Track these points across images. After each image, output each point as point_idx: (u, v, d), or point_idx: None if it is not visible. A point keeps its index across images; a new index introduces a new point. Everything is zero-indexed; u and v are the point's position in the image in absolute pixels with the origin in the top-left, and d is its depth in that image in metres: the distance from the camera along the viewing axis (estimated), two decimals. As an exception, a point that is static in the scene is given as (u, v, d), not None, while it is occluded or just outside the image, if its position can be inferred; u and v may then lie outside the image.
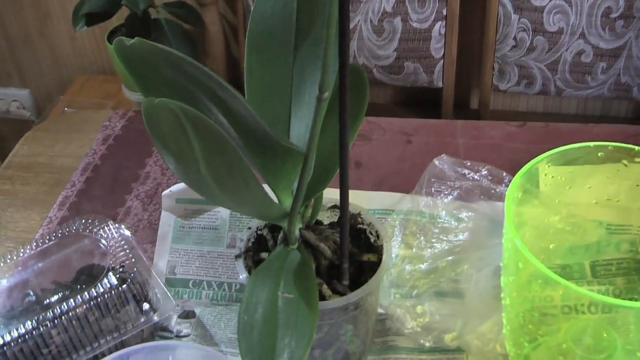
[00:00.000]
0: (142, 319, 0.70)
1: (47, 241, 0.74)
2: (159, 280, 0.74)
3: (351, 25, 1.58)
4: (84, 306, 0.67)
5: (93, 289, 0.68)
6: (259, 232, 0.67)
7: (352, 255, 0.64)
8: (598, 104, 1.84)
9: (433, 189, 0.80)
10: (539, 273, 0.53)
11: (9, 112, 2.23)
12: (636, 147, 0.62)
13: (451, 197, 0.79)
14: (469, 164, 0.82)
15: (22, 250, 0.74)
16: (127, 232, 0.75)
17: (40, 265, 0.73)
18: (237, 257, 0.64)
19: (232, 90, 0.48)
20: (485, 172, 0.81)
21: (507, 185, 0.79)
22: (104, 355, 0.65)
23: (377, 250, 0.65)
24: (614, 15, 1.50)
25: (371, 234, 0.67)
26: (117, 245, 0.72)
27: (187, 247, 0.81)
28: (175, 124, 0.46)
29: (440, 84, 1.67)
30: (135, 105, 1.82)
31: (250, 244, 0.66)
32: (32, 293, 0.70)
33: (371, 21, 1.59)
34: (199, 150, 0.48)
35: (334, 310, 0.61)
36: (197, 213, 0.82)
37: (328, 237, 0.63)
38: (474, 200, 0.78)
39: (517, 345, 0.62)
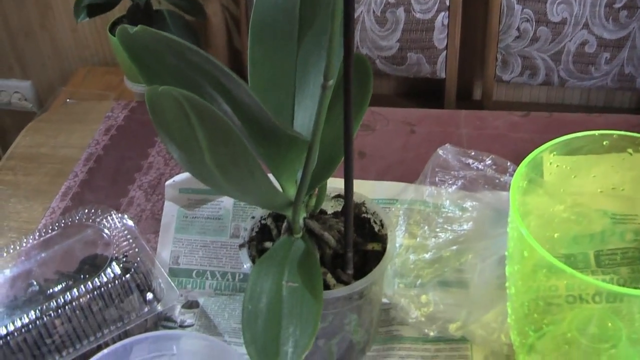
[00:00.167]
0: (146, 309, 0.70)
1: (50, 231, 0.74)
2: (163, 270, 0.74)
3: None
4: (88, 296, 0.67)
5: (96, 279, 0.67)
6: (262, 221, 0.66)
7: (357, 245, 0.64)
8: (601, 95, 1.83)
9: (437, 179, 0.80)
10: (544, 262, 0.53)
11: (10, 103, 2.22)
12: (641, 136, 0.62)
13: (455, 186, 0.79)
14: (473, 153, 0.82)
15: (25, 240, 0.74)
16: (130, 222, 0.74)
17: (43, 255, 0.73)
18: (241, 246, 0.64)
19: (236, 78, 0.48)
20: (490, 161, 0.81)
21: (511, 175, 0.79)
22: (107, 345, 0.65)
23: (382, 239, 0.65)
24: (617, 6, 1.50)
25: (375, 223, 0.67)
26: (120, 235, 0.72)
27: (190, 237, 0.81)
28: (179, 112, 0.46)
29: (443, 75, 1.66)
30: (138, 97, 1.82)
31: (254, 234, 0.66)
32: (35, 283, 0.70)
33: (374, 12, 1.59)
34: (203, 139, 0.48)
35: (339, 300, 0.61)
36: (200, 203, 0.82)
37: (332, 226, 0.63)
38: (478, 189, 0.78)
39: (522, 334, 0.62)
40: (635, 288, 0.68)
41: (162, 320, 0.73)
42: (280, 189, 0.59)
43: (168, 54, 0.49)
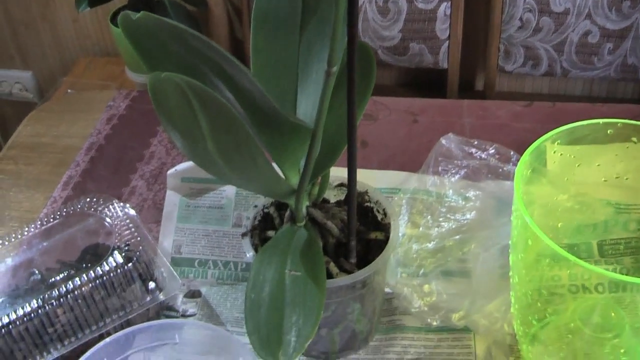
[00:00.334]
0: (148, 298, 0.70)
1: (52, 220, 0.74)
2: (165, 259, 0.74)
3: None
4: (90, 285, 0.67)
5: (98, 268, 0.67)
6: (265, 210, 0.66)
7: (359, 233, 0.64)
8: (604, 86, 1.83)
9: (440, 168, 0.79)
10: (548, 250, 0.53)
11: (11, 94, 2.22)
12: (646, 125, 0.61)
13: (458, 176, 0.78)
14: (476, 142, 0.81)
15: (26, 229, 0.73)
16: (132, 211, 0.74)
17: (45, 244, 0.73)
18: (244, 235, 0.63)
19: (239, 64, 0.48)
20: (493, 150, 0.80)
21: (514, 164, 0.79)
22: (109, 334, 0.65)
23: (385, 228, 0.65)
24: (620, -4, 1.49)
25: (378, 212, 0.67)
26: (122, 224, 0.72)
27: (192, 227, 0.80)
28: (182, 99, 0.46)
29: (445, 65, 1.66)
30: (139, 87, 1.82)
31: (256, 222, 0.66)
32: (37, 272, 0.70)
33: (376, 2, 1.58)
34: (205, 126, 0.48)
35: (341, 289, 0.61)
36: (202, 192, 0.82)
37: (335, 215, 0.62)
38: (481, 179, 0.78)
39: (525, 323, 0.62)
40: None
41: (164, 310, 0.73)
42: (283, 177, 0.59)
43: (170, 40, 0.49)
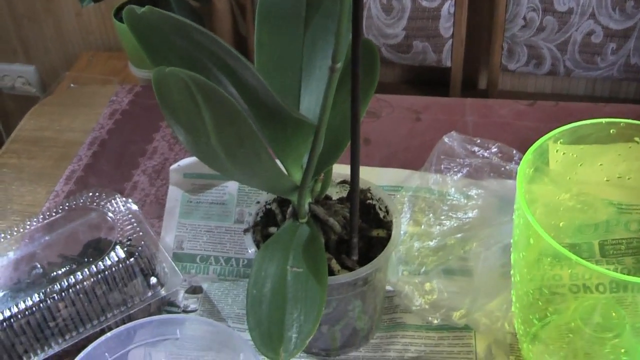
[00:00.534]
0: (150, 293, 0.70)
1: (54, 214, 0.74)
2: (167, 254, 0.74)
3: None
4: (91, 279, 0.67)
5: (100, 263, 0.67)
6: (267, 206, 0.66)
7: (362, 231, 0.64)
8: (607, 86, 1.82)
9: (442, 166, 0.79)
10: (550, 249, 0.53)
11: (14, 88, 2.22)
12: (649, 125, 0.61)
13: (460, 174, 0.78)
14: (478, 141, 0.81)
15: (29, 223, 0.73)
16: (135, 206, 0.74)
17: (47, 238, 0.73)
18: (246, 231, 0.63)
19: (243, 59, 0.48)
20: (495, 149, 0.80)
21: (517, 163, 0.78)
22: (110, 328, 0.65)
23: (387, 225, 0.65)
24: (624, -4, 1.49)
25: (380, 209, 0.67)
26: (124, 219, 0.72)
27: (194, 222, 0.80)
28: (186, 93, 0.46)
29: (448, 64, 1.66)
30: (142, 82, 1.82)
31: (258, 219, 0.66)
32: (39, 266, 0.70)
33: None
34: (209, 121, 0.48)
35: (343, 286, 0.61)
36: (204, 188, 0.82)
37: (337, 212, 0.62)
38: (483, 177, 0.78)
39: (526, 322, 0.62)
40: (640, 278, 0.68)
41: (166, 305, 0.73)
42: (286, 173, 0.59)
43: (175, 35, 0.49)
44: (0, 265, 0.71)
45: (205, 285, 0.75)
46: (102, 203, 0.74)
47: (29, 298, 0.65)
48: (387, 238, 0.63)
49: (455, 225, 0.74)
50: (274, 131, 0.55)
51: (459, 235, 0.73)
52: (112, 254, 0.68)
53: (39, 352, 0.66)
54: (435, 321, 0.69)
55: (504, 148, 0.81)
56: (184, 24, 0.47)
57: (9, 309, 0.64)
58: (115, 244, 0.69)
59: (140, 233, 0.70)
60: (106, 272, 0.67)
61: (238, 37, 1.89)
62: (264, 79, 0.49)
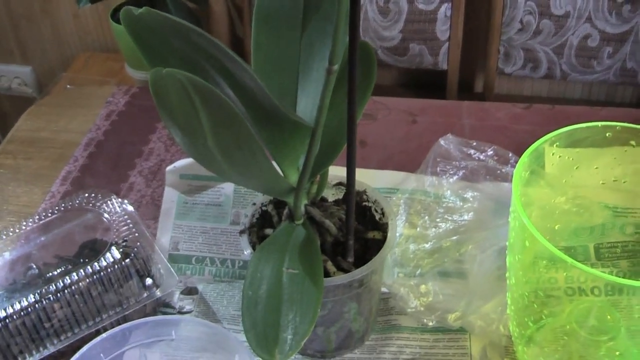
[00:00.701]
0: (145, 294, 0.70)
1: (50, 215, 0.74)
2: (162, 255, 0.74)
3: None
4: (87, 280, 0.67)
5: (96, 263, 0.67)
6: (263, 208, 0.66)
7: (357, 233, 0.64)
8: (603, 89, 1.83)
9: (438, 169, 0.79)
10: (546, 252, 0.53)
11: (10, 88, 2.22)
12: (644, 128, 0.61)
13: (456, 177, 0.79)
14: (474, 144, 0.82)
15: (24, 223, 0.73)
16: (131, 207, 0.74)
17: (42, 239, 0.73)
18: (242, 232, 0.63)
19: (240, 61, 0.48)
20: (491, 152, 0.81)
21: (513, 166, 0.79)
22: (105, 329, 0.65)
23: (382, 228, 0.65)
24: (620, 0, 1.49)
25: (376, 211, 0.67)
26: (120, 220, 0.72)
27: (190, 224, 0.80)
28: (183, 94, 0.46)
29: (445, 67, 1.66)
30: (139, 84, 1.81)
31: (254, 220, 0.66)
32: (34, 266, 0.70)
33: (377, 2, 1.58)
34: (206, 122, 0.48)
35: (338, 287, 0.61)
36: (200, 189, 0.82)
37: (333, 214, 0.62)
38: (479, 180, 0.78)
39: (521, 325, 0.62)
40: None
41: (161, 306, 0.73)
42: (282, 175, 0.59)
43: (172, 36, 0.49)
44: (-4, 265, 0.71)
45: (200, 287, 0.75)
46: (98, 204, 0.74)
47: (24, 299, 0.65)
48: (383, 240, 0.63)
49: (450, 227, 0.74)
50: (271, 133, 0.56)
51: (455, 237, 0.73)
52: (108, 254, 0.68)
53: (34, 352, 0.66)
54: (431, 323, 0.69)
55: (500, 151, 0.81)
56: (182, 25, 0.47)
57: (5, 310, 0.64)
58: (111, 244, 0.69)
59: (136, 234, 0.71)
60: (102, 273, 0.67)
61: (235, 39, 1.89)
62: (261, 81, 0.50)
